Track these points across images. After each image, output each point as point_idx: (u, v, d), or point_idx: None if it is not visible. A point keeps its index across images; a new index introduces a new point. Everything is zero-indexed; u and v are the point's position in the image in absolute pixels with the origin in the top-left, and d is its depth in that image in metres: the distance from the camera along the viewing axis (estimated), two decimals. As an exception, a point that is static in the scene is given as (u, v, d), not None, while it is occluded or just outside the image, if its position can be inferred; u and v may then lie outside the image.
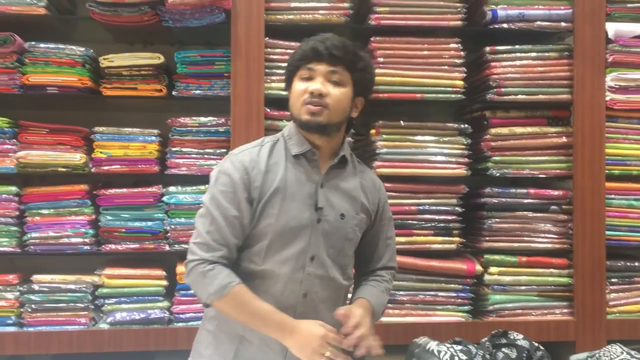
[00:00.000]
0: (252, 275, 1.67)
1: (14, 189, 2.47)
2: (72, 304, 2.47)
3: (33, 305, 2.45)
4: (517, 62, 2.64)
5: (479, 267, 2.59)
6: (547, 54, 2.67)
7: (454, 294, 2.60)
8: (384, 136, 2.60)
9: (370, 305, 1.74)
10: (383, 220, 1.87)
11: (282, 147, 1.74)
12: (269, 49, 2.55)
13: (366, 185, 1.82)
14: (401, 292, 2.58)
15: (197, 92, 2.54)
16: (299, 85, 1.69)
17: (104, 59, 2.51)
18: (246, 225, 1.66)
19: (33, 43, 2.47)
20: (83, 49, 2.50)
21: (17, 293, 2.46)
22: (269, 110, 2.53)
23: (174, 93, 2.54)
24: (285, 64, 2.48)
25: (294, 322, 1.61)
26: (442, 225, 2.62)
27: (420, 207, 2.61)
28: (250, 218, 1.66)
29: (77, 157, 2.49)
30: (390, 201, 2.53)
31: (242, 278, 1.63)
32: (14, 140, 2.49)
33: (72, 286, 2.47)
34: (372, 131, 2.63)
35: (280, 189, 1.67)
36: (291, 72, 1.73)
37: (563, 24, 2.65)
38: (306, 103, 1.66)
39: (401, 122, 2.62)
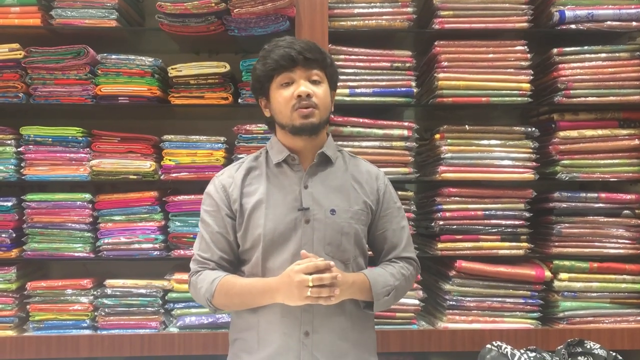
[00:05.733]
0: None
1: (87, 196, 2.55)
2: (143, 308, 2.53)
3: (106, 309, 2.53)
4: (586, 64, 2.58)
5: (548, 273, 2.53)
6: (617, 55, 2.60)
7: (523, 301, 2.55)
8: (449, 141, 2.58)
9: (361, 276, 1.74)
10: (389, 210, 1.87)
11: (264, 159, 1.82)
12: (332, 55, 2.54)
13: (359, 176, 1.84)
14: (468, 298, 2.54)
15: (262, 99, 2.57)
16: (282, 92, 1.72)
17: (172, 68, 2.57)
18: (232, 240, 1.78)
19: (105, 55, 2.55)
20: (152, 59, 2.57)
21: (91, 297, 2.54)
22: (332, 116, 2.54)
23: (239, 101, 2.58)
24: (350, 70, 2.55)
25: (275, 279, 1.66)
26: (509, 230, 2.58)
27: (487, 212, 2.57)
28: (236, 230, 1.77)
29: (147, 165, 2.55)
30: (455, 206, 2.56)
31: None
32: (88, 149, 2.57)
33: (143, 291, 2.54)
34: (437, 136, 2.61)
35: (263, 199, 1.75)
36: (264, 83, 1.75)
37: (634, 23, 2.59)
38: (297, 108, 1.70)
39: (466, 126, 2.60)
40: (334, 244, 1.75)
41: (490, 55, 2.59)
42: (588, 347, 1.97)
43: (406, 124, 2.59)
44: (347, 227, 1.77)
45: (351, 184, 1.82)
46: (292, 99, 1.70)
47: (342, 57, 2.59)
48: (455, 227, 2.56)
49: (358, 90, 2.57)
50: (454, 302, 2.54)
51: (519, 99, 2.58)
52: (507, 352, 1.92)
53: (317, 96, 1.71)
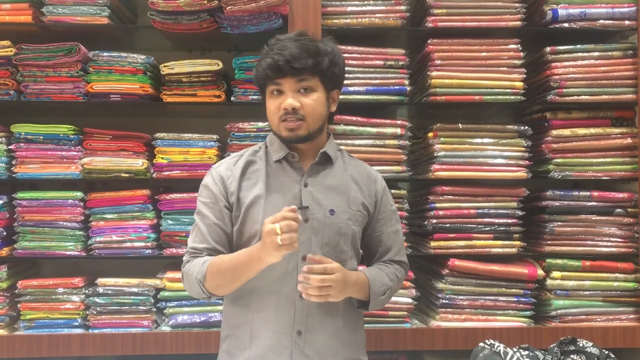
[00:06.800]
0: (250, 284, 1.70)
1: (79, 194, 2.53)
2: (135, 307, 2.52)
3: (98, 308, 2.51)
4: (579, 62, 2.58)
5: (540, 272, 2.53)
6: (610, 53, 2.60)
7: (515, 299, 2.55)
8: (442, 139, 2.57)
9: (361, 274, 1.75)
10: (385, 213, 1.87)
11: (263, 154, 1.80)
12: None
13: (359, 178, 1.84)
14: (461, 297, 2.54)
15: (255, 97, 2.56)
16: (271, 103, 1.71)
17: (164, 66, 2.55)
18: (229, 233, 1.76)
19: (97, 52, 2.53)
20: (144, 56, 2.55)
21: (83, 296, 2.52)
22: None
23: (232, 99, 2.57)
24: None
25: (257, 244, 1.62)
26: (502, 229, 2.57)
27: (480, 211, 2.57)
28: (233, 223, 1.75)
29: (139, 163, 2.54)
30: (448, 204, 2.56)
31: (241, 289, 1.71)
32: (79, 147, 2.55)
33: (135, 289, 2.52)
34: (430, 134, 2.60)
35: (262, 195, 1.72)
36: (261, 87, 1.76)
37: (627, 22, 2.60)
38: (283, 120, 1.69)
39: (459, 124, 2.59)
40: (331, 244, 1.74)
41: (483, 54, 2.59)
42: (581, 345, 1.98)
43: (399, 122, 2.59)
44: (345, 228, 1.76)
45: (350, 185, 1.81)
46: (279, 110, 1.69)
47: (335, 55, 2.58)
48: (448, 225, 2.56)
49: (351, 89, 2.56)
50: (446, 301, 2.54)
51: (512, 97, 2.58)
52: (500, 350, 1.92)
53: (305, 108, 1.68)
